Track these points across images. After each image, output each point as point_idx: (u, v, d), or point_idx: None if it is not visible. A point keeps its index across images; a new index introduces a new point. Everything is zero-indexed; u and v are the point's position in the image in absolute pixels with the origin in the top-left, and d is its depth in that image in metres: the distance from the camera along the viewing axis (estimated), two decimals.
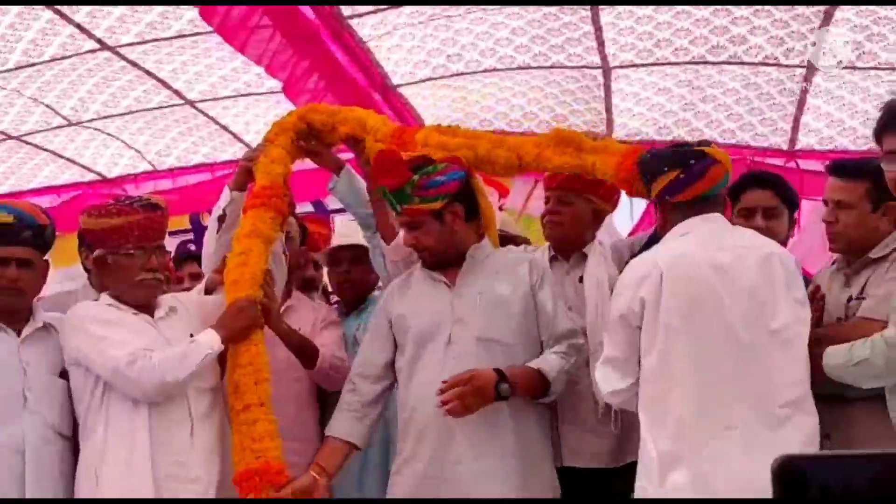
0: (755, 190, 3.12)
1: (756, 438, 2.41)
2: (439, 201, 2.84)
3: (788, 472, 0.61)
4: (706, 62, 4.78)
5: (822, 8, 4.18)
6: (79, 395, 2.84)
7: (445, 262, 2.91)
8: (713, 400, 2.46)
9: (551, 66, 4.89)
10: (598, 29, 4.44)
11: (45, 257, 3.17)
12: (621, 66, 4.89)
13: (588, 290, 3.06)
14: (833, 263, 3.03)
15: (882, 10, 4.15)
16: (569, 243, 3.19)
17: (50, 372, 2.87)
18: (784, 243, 3.06)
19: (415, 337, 2.87)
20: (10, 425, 2.76)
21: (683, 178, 2.63)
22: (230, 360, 2.93)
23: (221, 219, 3.22)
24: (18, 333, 2.86)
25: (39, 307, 3.00)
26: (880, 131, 2.56)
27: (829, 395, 2.67)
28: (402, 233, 3.27)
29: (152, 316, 2.92)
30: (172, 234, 5.39)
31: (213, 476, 2.88)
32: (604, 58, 4.76)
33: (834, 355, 2.51)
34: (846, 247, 2.92)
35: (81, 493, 2.80)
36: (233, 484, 2.87)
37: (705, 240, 2.60)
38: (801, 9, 4.23)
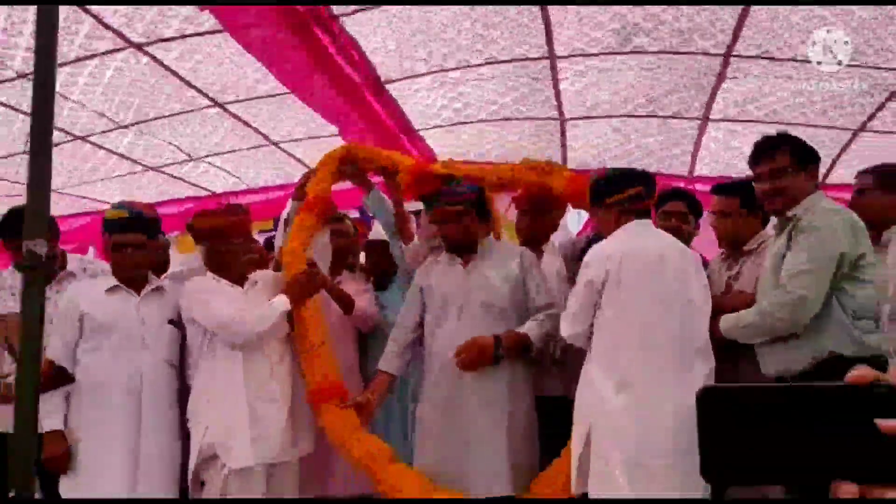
0: (672, 201, 3.12)
1: (678, 374, 2.39)
2: (458, 206, 2.83)
3: (709, 399, 0.59)
4: (632, 115, 4.73)
5: (713, 80, 4.14)
6: (192, 342, 2.82)
7: (462, 248, 2.88)
8: (652, 345, 2.43)
9: (525, 118, 4.86)
10: (558, 92, 4.39)
11: (167, 240, 3.17)
12: (574, 119, 4.84)
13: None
14: (721, 253, 3.04)
15: (759, 82, 4.14)
16: (534, 243, 3.19)
17: (161, 320, 2.85)
18: (690, 240, 3.05)
19: (438, 302, 2.86)
20: (133, 357, 2.75)
21: (645, 192, 2.62)
22: (295, 316, 2.94)
23: (287, 221, 3.23)
24: (138, 293, 2.84)
25: (152, 275, 2.98)
26: (751, 162, 2.57)
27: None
28: (416, 238, 3.30)
29: (242, 287, 2.89)
30: (262, 232, 5.43)
31: (287, 398, 2.86)
32: (561, 113, 4.71)
33: (727, 321, 2.52)
34: (728, 243, 2.93)
35: (196, 409, 2.80)
36: (307, 400, 2.86)
37: (643, 236, 2.60)
38: (699, 79, 4.19)
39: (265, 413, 2.77)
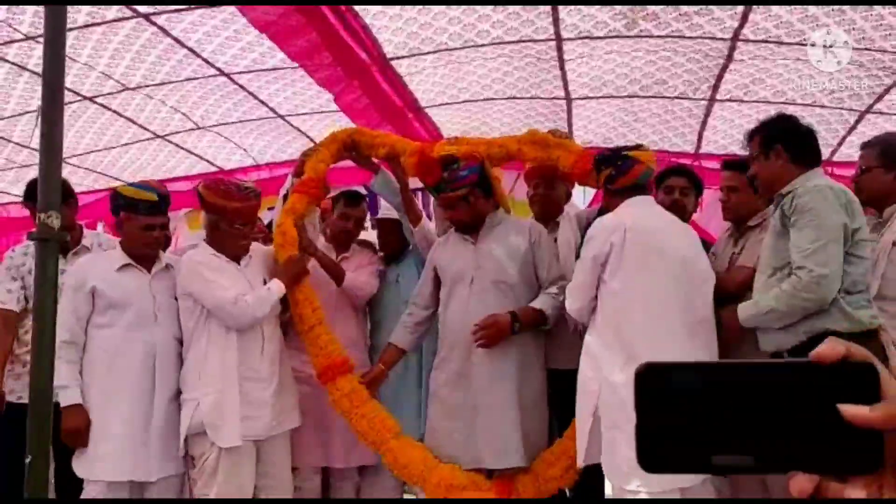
0: (674, 176, 3.14)
1: (686, 341, 2.47)
2: (464, 189, 2.85)
3: (649, 377, 0.51)
4: (638, 96, 4.72)
5: (721, 61, 4.12)
6: (187, 316, 2.85)
7: (472, 227, 2.90)
8: (658, 317, 2.48)
9: (531, 98, 4.83)
10: (564, 73, 4.38)
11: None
12: (580, 98, 4.81)
13: (561, 246, 3.08)
14: (727, 230, 3.08)
15: (764, 64, 4.11)
16: (549, 215, 3.21)
17: (171, 297, 2.88)
18: (691, 215, 3.14)
19: (450, 278, 2.91)
20: (147, 332, 2.80)
21: (614, 174, 2.66)
22: (290, 299, 2.99)
23: (285, 197, 3.26)
24: (148, 271, 2.88)
25: (161, 252, 3.01)
26: (747, 141, 2.62)
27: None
28: (423, 221, 3.32)
29: (239, 263, 2.95)
30: (270, 209, 5.42)
31: (274, 376, 2.92)
32: (567, 92, 4.69)
33: (745, 310, 2.53)
34: (735, 217, 2.98)
35: (187, 383, 2.85)
36: (317, 379, 2.95)
37: (645, 211, 2.64)
38: (705, 62, 4.16)
39: (254, 393, 2.84)
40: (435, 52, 4.07)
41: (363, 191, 3.78)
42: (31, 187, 3.29)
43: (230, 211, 2.88)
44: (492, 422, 2.76)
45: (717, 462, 0.50)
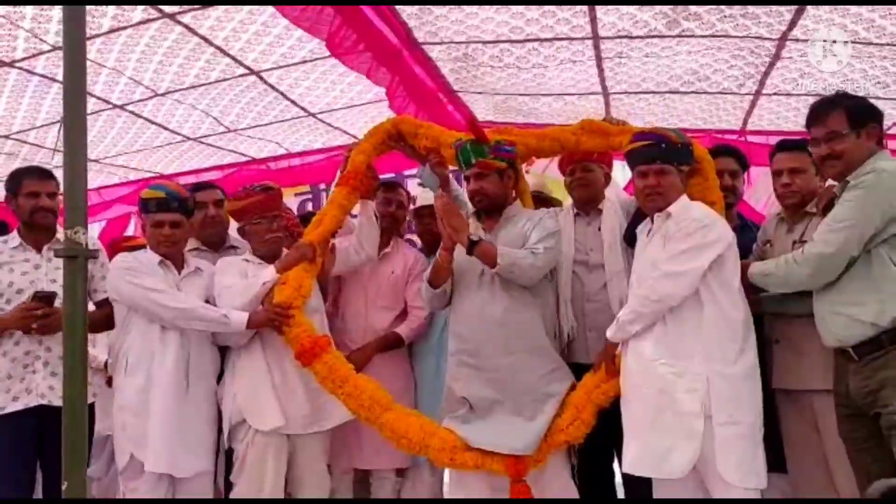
0: (722, 157, 3.06)
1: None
2: (503, 163, 2.89)
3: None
4: (678, 92, 4.60)
5: (766, 60, 3.98)
6: None
7: (492, 208, 2.91)
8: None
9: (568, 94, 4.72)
10: (601, 70, 4.24)
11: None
12: (615, 93, 4.70)
13: (605, 234, 3.03)
14: (778, 215, 2.92)
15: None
16: (590, 201, 3.14)
17: (200, 298, 2.99)
18: (741, 196, 3.14)
19: (460, 266, 2.90)
20: (180, 332, 2.91)
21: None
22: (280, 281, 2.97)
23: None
24: (178, 273, 3.00)
25: (190, 256, 3.14)
26: (807, 125, 2.50)
27: (777, 311, 2.71)
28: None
29: (271, 261, 3.06)
30: (298, 195, 5.82)
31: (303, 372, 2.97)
32: (604, 87, 4.58)
33: (754, 267, 2.59)
34: (799, 202, 2.80)
35: (225, 381, 3.04)
36: (296, 361, 2.91)
37: None
38: (750, 58, 4.03)
39: (284, 381, 2.97)
40: (467, 42, 3.96)
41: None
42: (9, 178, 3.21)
43: (244, 209, 3.10)
44: (515, 418, 2.76)
45: None
